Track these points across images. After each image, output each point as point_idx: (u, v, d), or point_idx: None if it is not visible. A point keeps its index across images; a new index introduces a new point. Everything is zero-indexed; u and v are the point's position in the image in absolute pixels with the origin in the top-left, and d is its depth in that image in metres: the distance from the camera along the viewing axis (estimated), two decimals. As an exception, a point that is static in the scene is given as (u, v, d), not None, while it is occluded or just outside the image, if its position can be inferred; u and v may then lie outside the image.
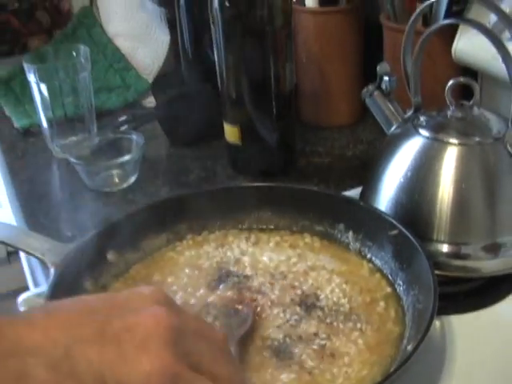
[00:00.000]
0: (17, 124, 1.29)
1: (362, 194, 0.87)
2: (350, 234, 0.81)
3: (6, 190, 1.16)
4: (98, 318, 0.47)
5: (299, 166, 1.07)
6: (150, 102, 1.31)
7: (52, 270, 0.75)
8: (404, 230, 0.75)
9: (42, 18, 1.50)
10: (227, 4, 0.96)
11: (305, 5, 1.12)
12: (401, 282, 0.73)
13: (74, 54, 1.17)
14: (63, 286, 0.72)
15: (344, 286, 0.74)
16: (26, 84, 1.36)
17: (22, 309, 0.82)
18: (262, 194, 0.85)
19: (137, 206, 0.85)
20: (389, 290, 0.74)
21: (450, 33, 0.99)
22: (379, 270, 0.77)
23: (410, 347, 0.62)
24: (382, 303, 0.72)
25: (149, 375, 0.45)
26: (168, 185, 1.08)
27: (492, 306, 0.77)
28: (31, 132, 1.26)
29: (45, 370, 0.43)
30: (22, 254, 1.14)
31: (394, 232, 0.76)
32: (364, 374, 0.63)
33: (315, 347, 0.67)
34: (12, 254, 1.46)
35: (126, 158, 1.05)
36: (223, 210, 0.84)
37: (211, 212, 0.84)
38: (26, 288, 1.57)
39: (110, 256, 0.79)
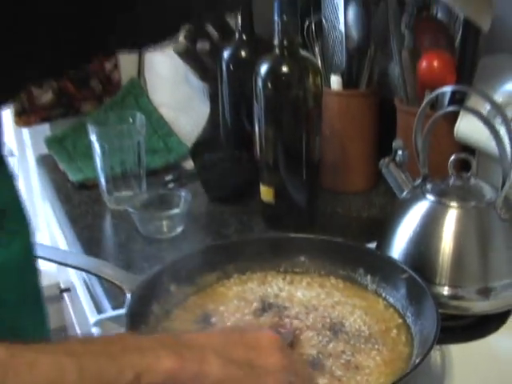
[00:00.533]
0: (71, 178, 1.45)
1: (378, 245, 1.04)
2: (369, 277, 0.97)
3: (63, 233, 1.33)
4: (235, 333, 0.70)
5: (321, 224, 1.24)
6: (189, 164, 1.48)
7: (128, 296, 0.92)
8: (413, 274, 0.92)
9: (95, 85, 1.65)
10: (269, 85, 1.15)
11: (330, 87, 1.31)
12: (410, 315, 0.90)
13: (131, 120, 1.35)
14: (136, 309, 0.90)
15: (364, 316, 0.91)
16: (77, 143, 1.54)
17: (95, 329, 0.98)
18: (297, 244, 1.02)
19: (193, 249, 1.02)
20: (400, 321, 0.90)
21: (453, 117, 1.14)
22: (392, 306, 0.93)
23: (417, 360, 0.79)
24: (394, 330, 0.88)
25: (277, 366, 0.67)
26: (210, 236, 1.25)
27: (483, 338, 0.93)
28: (85, 185, 1.43)
29: (214, 356, 0.63)
30: (79, 290, 1.31)
31: (405, 276, 0.92)
32: (381, 382, 0.80)
33: (342, 361, 0.83)
34: (63, 291, 1.62)
35: (176, 210, 1.23)
36: (264, 255, 1.01)
37: (254, 256, 1.00)
38: (64, 327, 1.75)
39: (172, 288, 0.96)
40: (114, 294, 1.03)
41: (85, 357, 0.57)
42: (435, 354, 0.89)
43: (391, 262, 0.97)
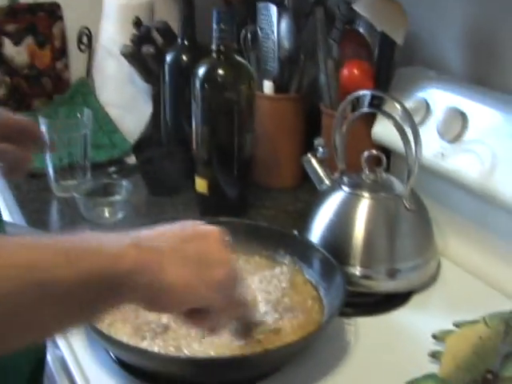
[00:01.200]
0: (20, 168, 1.54)
1: (299, 231, 1.16)
2: (288, 257, 1.09)
3: (12, 216, 1.41)
4: (188, 229, 0.78)
5: (251, 215, 1.34)
6: (131, 159, 1.57)
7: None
8: (327, 254, 1.04)
9: (46, 83, 1.75)
10: (206, 87, 1.26)
11: (263, 91, 1.42)
12: (323, 289, 1.02)
13: (79, 114, 1.44)
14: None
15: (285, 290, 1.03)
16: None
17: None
18: (226, 226, 1.11)
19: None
20: (314, 293, 1.02)
21: (371, 120, 1.25)
22: (309, 281, 1.05)
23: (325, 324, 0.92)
24: (309, 301, 1.00)
25: (225, 259, 0.77)
26: (148, 222, 1.34)
27: (388, 313, 1.05)
28: (33, 174, 1.50)
29: (170, 250, 0.73)
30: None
31: (319, 255, 1.05)
32: (295, 341, 0.92)
33: (266, 326, 0.94)
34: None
35: (117, 197, 1.33)
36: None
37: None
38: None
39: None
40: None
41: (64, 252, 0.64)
42: (347, 326, 1.01)
43: (307, 243, 1.10)
